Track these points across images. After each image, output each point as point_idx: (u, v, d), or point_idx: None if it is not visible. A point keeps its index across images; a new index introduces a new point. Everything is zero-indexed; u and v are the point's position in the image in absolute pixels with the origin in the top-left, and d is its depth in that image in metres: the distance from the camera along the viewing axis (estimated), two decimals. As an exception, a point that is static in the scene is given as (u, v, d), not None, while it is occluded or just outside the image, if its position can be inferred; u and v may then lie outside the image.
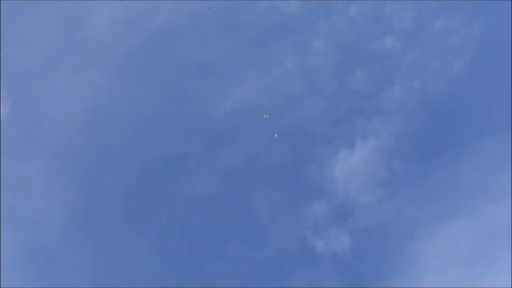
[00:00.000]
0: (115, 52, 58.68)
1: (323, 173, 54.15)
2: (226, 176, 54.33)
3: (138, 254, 51.44)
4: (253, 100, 57.06)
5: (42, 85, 57.05)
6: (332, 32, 59.23)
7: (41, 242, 51.07)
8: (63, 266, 50.52)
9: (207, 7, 57.14)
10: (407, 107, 56.38)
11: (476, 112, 56.11)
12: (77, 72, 57.70)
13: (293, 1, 60.25)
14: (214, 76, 58.28)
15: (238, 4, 60.02)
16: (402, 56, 58.27)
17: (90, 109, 56.31)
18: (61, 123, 55.77)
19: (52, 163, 54.05)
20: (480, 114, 55.94)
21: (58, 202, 52.59)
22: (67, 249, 51.09)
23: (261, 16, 60.02)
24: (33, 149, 54.46)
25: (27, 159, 53.87)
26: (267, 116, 52.81)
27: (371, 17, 59.65)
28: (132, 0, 59.47)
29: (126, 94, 57.50)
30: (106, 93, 57.19)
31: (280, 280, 50.70)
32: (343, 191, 53.50)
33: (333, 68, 58.13)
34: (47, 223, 51.63)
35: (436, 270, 50.06)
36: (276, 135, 53.79)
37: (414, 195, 53.10)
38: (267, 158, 55.04)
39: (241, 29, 59.80)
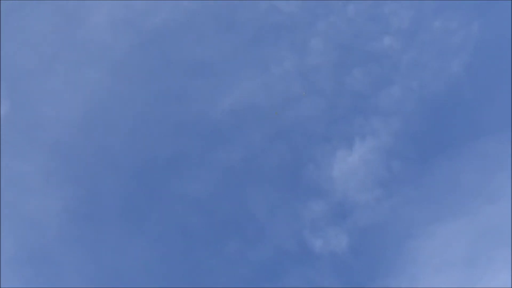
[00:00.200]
0: (114, 51, 58.90)
1: (321, 172, 54.08)
2: (224, 175, 54.32)
3: (136, 253, 51.42)
4: (252, 99, 57.15)
5: (41, 84, 57.18)
6: (331, 31, 59.34)
7: (40, 241, 50.98)
8: (62, 265, 50.41)
9: (206, 6, 57.25)
10: (406, 106, 56.30)
11: (475, 112, 55.97)
12: (76, 71, 57.86)
13: (292, 1, 60.42)
14: (213, 75, 58.33)
15: (238, 3, 60.18)
16: (401, 55, 58.26)
17: (89, 108, 56.45)
18: (60, 122, 55.89)
19: (51, 162, 54.09)
20: (479, 114, 55.80)
21: (57, 201, 52.55)
22: (66, 248, 51.03)
23: (261, 15, 60.14)
24: (32, 148, 54.55)
25: (26, 158, 53.94)
26: (277, 113, 53.05)
27: (369, 16, 59.64)
28: (131, 0, 59.70)
29: (124, 93, 57.64)
30: (105, 92, 57.33)
31: (278, 279, 50.57)
32: (341, 190, 53.41)
33: (331, 67, 58.21)
34: (46, 222, 51.53)
35: (434, 270, 49.82)
36: (304, 93, 53.05)
37: (412, 194, 53.03)
38: (265, 157, 55.03)
39: (240, 28, 59.94)
